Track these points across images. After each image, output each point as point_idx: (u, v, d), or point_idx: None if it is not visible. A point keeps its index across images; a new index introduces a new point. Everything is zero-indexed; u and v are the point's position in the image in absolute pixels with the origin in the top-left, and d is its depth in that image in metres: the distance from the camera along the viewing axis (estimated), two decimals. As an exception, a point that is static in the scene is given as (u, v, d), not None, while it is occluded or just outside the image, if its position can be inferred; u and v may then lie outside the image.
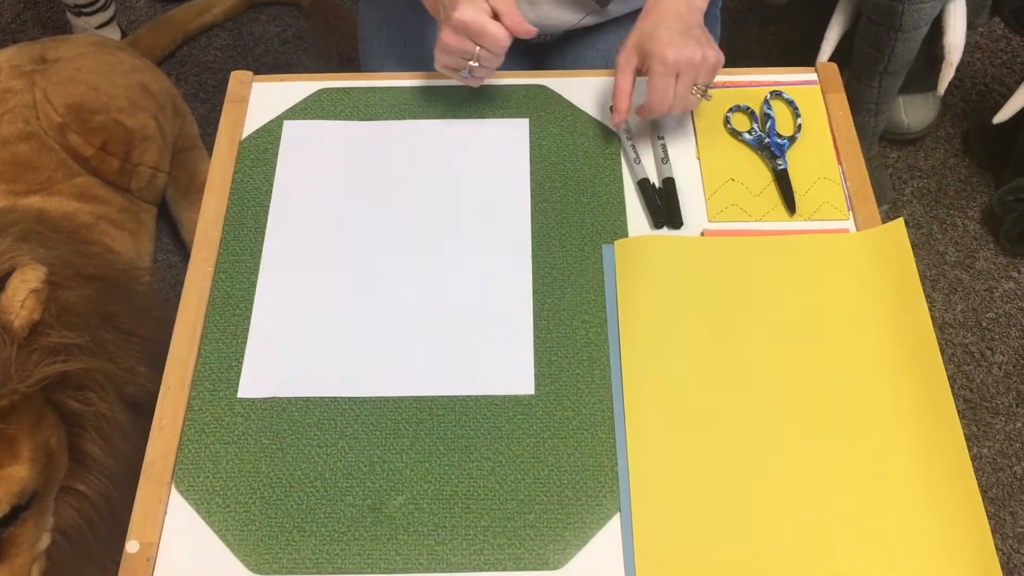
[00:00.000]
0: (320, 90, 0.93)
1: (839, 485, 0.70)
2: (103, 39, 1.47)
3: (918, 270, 0.79)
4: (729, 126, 0.90)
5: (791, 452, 0.71)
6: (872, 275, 0.80)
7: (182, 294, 0.80)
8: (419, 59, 1.03)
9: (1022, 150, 1.56)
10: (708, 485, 0.70)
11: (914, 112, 1.65)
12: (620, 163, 0.88)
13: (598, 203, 0.85)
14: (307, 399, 0.75)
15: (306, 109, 0.92)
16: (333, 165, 0.88)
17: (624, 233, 0.83)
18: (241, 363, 0.77)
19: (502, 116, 0.91)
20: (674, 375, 0.75)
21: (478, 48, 0.80)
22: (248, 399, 0.75)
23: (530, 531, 0.69)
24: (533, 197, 0.86)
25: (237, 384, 0.76)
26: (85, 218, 1.26)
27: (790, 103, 0.91)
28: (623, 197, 0.85)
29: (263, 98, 0.93)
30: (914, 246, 1.56)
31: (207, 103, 1.76)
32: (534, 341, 0.78)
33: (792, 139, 0.88)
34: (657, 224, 0.83)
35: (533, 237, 0.83)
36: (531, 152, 0.89)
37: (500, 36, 0.79)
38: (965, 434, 0.71)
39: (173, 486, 0.71)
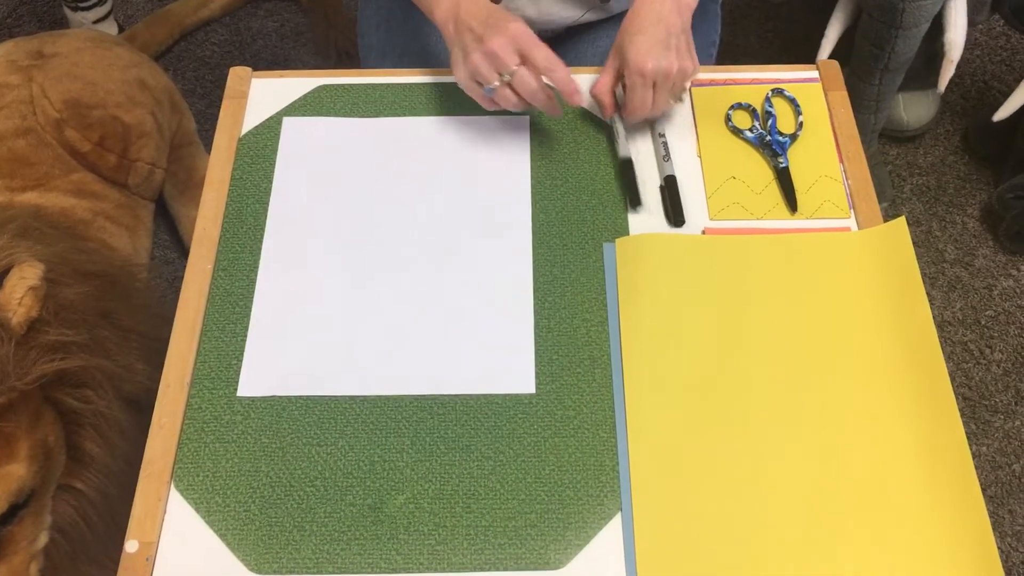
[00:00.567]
0: (319, 87, 0.92)
1: (840, 485, 0.70)
2: (100, 34, 1.46)
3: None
4: (730, 124, 0.89)
5: (792, 451, 0.71)
6: (873, 274, 0.79)
7: (181, 292, 0.80)
8: (419, 55, 1.03)
9: (1022, 147, 1.56)
10: (709, 484, 0.70)
11: (914, 109, 1.65)
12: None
13: (599, 201, 0.85)
14: (307, 398, 0.75)
15: (305, 106, 0.91)
16: (333, 162, 0.87)
17: (625, 231, 0.83)
18: (241, 361, 0.76)
19: (502, 113, 0.90)
20: (675, 374, 0.74)
21: (515, 67, 0.78)
22: (248, 398, 0.75)
23: (531, 531, 0.69)
24: (534, 194, 0.85)
25: (237, 382, 0.75)
26: (82, 214, 1.26)
27: (792, 101, 0.91)
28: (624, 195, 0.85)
29: (262, 95, 0.92)
30: (913, 243, 1.55)
31: (204, 98, 1.75)
32: (535, 339, 0.77)
33: (793, 137, 0.88)
34: (634, 205, 0.83)
35: (534, 235, 0.83)
36: (532, 149, 0.88)
37: (552, 68, 0.79)
38: (964, 432, 0.71)
39: (172, 485, 0.71)
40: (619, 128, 0.87)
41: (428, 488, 0.71)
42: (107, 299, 0.91)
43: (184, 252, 1.53)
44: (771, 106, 0.90)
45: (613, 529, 0.69)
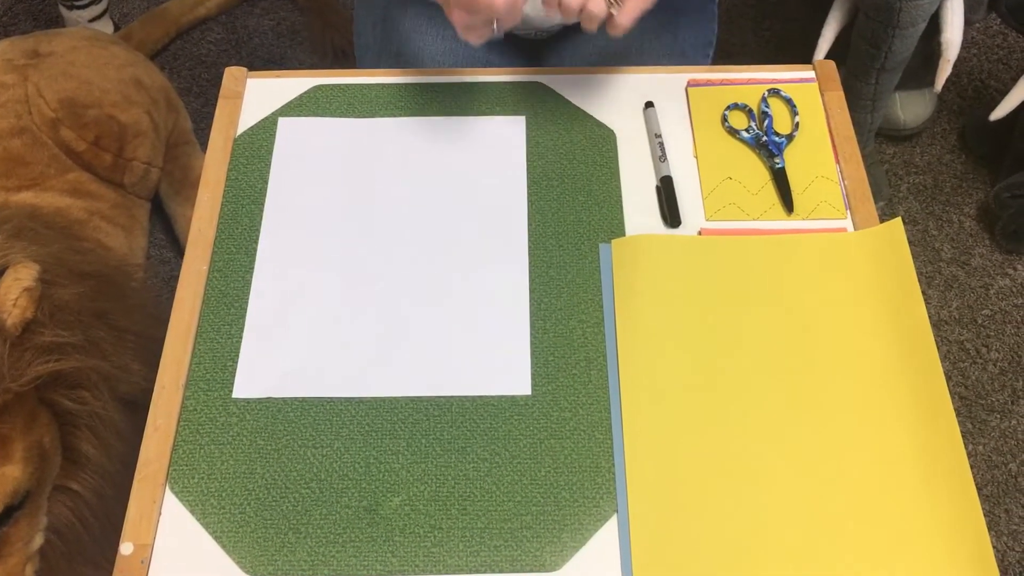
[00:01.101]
0: (315, 87, 0.92)
1: (836, 485, 0.70)
2: (96, 33, 1.46)
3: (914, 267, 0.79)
4: (727, 124, 0.89)
5: (788, 452, 0.71)
6: (870, 275, 0.79)
7: (176, 293, 0.80)
8: (415, 56, 1.02)
9: (1018, 146, 1.56)
10: (705, 486, 0.70)
11: (910, 108, 1.65)
12: (617, 161, 0.87)
13: (595, 201, 0.85)
14: (303, 399, 0.75)
15: (301, 106, 0.91)
16: (329, 162, 0.87)
17: (621, 232, 0.83)
18: (236, 363, 0.76)
19: (498, 113, 0.90)
20: (672, 375, 0.74)
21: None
22: (243, 399, 0.75)
23: (527, 532, 0.69)
24: (530, 195, 0.85)
25: (232, 384, 0.75)
26: (78, 214, 1.25)
27: (788, 101, 0.90)
28: (620, 195, 0.85)
29: (258, 95, 0.92)
30: (910, 243, 1.56)
31: (200, 97, 1.75)
32: (531, 341, 0.77)
33: (790, 137, 0.88)
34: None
35: (530, 235, 0.83)
36: (527, 150, 0.88)
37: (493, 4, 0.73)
38: (960, 431, 0.71)
39: (167, 487, 0.71)
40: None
41: (424, 490, 0.71)
42: (103, 299, 0.91)
43: (180, 251, 1.53)
44: (767, 106, 0.90)
45: (609, 531, 0.69)
